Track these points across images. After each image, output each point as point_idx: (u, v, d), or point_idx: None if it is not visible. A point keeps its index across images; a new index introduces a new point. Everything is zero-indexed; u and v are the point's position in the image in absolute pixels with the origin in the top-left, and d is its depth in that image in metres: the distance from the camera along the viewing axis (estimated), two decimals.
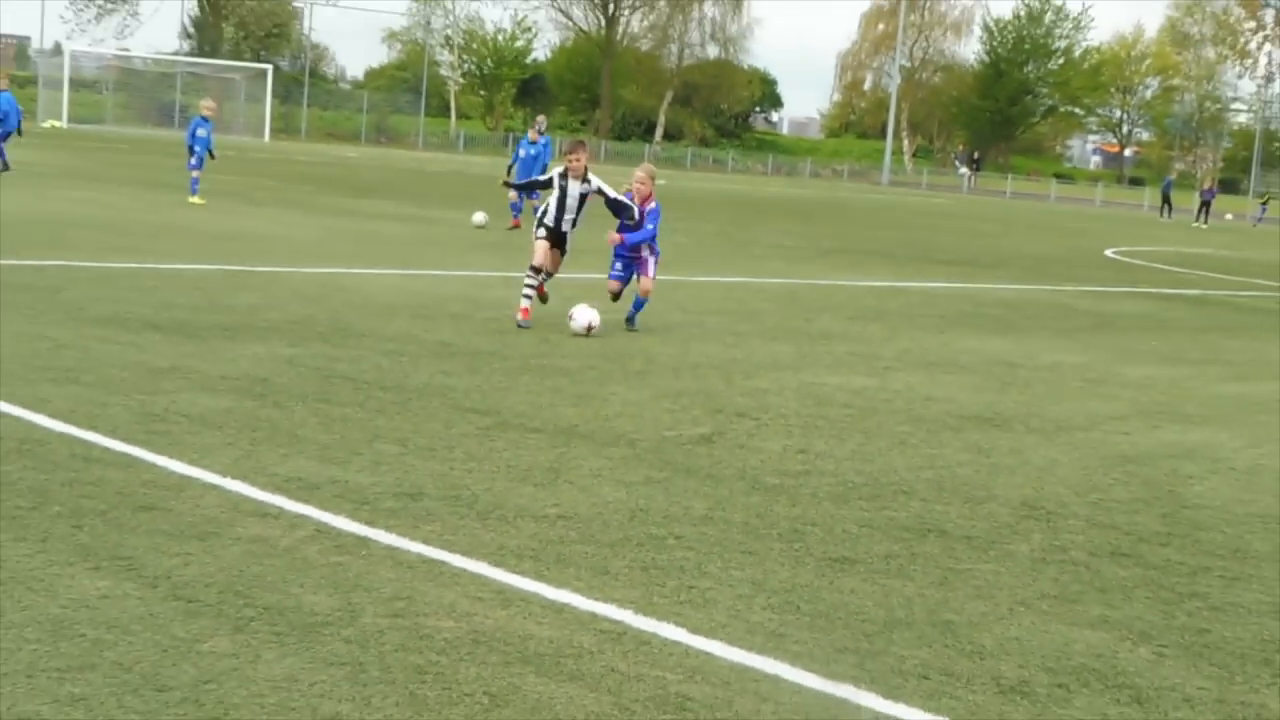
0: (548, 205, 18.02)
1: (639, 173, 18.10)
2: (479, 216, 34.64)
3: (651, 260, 17.74)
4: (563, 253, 18.35)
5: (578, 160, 17.65)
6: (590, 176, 17.66)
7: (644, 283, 18.02)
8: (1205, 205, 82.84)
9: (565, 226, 17.77)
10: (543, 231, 18.05)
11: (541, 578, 8.19)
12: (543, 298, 17.90)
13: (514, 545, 8.78)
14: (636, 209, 17.69)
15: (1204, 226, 78.51)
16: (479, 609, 7.63)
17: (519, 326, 17.37)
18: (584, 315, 17.37)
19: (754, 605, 8.05)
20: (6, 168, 38.98)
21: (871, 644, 7.58)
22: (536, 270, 17.70)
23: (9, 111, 40.17)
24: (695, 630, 7.56)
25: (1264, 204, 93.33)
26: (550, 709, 6.43)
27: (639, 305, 18.21)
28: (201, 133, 35.76)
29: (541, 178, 18.31)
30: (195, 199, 34.82)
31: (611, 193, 17.60)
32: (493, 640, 7.19)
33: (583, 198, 17.69)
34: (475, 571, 8.23)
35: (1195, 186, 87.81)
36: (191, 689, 6.34)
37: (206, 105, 38.09)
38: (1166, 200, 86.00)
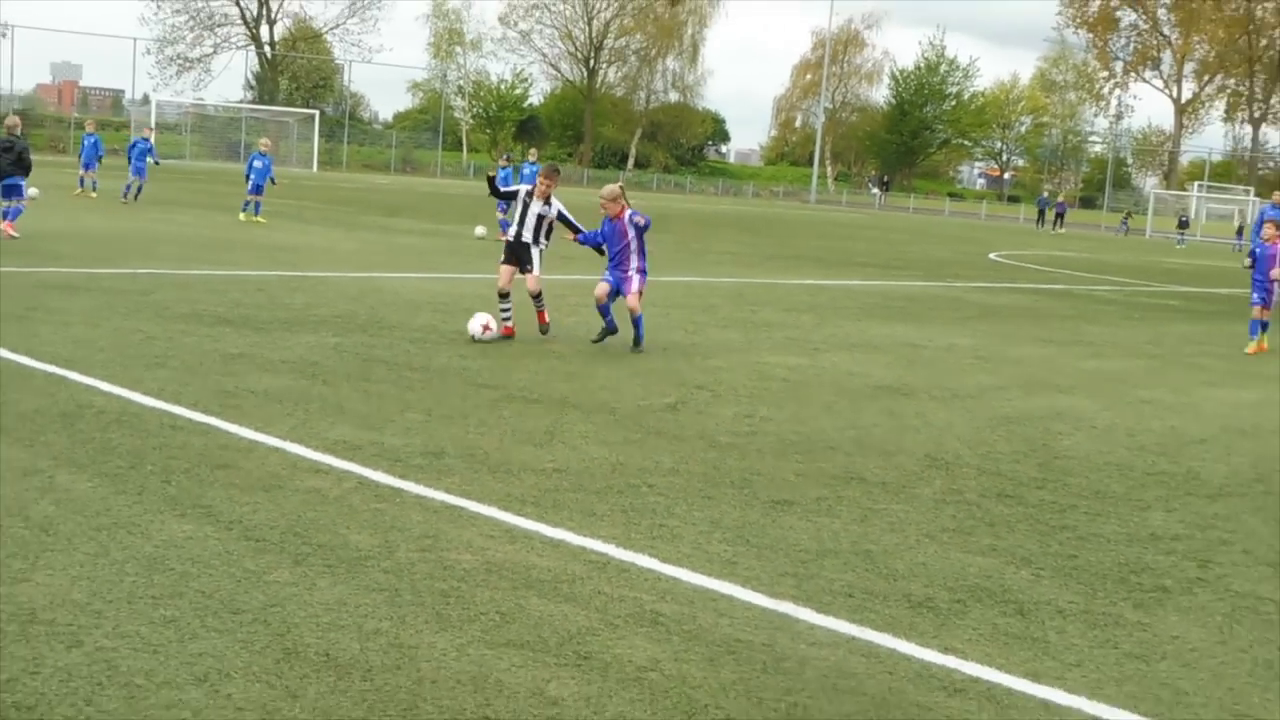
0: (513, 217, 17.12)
1: (600, 196, 16.84)
2: (480, 230, 34.77)
3: (636, 279, 16.25)
4: (525, 266, 16.50)
5: (546, 185, 16.71)
6: (554, 201, 16.47)
7: (629, 300, 16.00)
8: (1059, 216, 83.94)
9: (525, 238, 16.30)
10: (504, 254, 16.77)
11: (541, 519, 8.20)
12: (542, 328, 16.45)
13: (519, 493, 8.78)
14: (583, 232, 16.58)
15: (1061, 232, 78.96)
16: (491, 544, 7.64)
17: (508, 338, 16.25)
18: (474, 322, 15.97)
19: (712, 539, 8.07)
20: (94, 187, 40.79)
21: (807, 570, 7.60)
22: (503, 295, 16.48)
23: (97, 149, 41.76)
24: (665, 560, 7.58)
25: (1125, 219, 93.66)
26: (550, 624, 6.45)
27: (636, 324, 16.10)
28: (258, 164, 35.77)
29: (514, 188, 17.48)
30: (258, 218, 34.69)
31: (567, 215, 16.54)
32: (502, 570, 7.21)
33: (540, 218, 16.37)
34: (488, 515, 8.23)
35: (1051, 202, 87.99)
36: (260, 611, 6.35)
37: (263, 143, 38.16)
38: (1041, 214, 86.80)
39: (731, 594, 7.09)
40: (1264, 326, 20.27)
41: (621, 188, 16.51)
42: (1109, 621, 7.11)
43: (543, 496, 8.75)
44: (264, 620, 6.24)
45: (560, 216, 16.32)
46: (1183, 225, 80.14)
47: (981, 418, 12.93)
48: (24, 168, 24.94)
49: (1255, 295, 20.60)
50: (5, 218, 24.52)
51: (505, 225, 34.91)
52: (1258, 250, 20.75)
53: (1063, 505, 9.60)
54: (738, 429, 11.50)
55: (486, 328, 15.79)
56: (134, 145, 40.33)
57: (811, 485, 9.64)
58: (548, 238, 16.54)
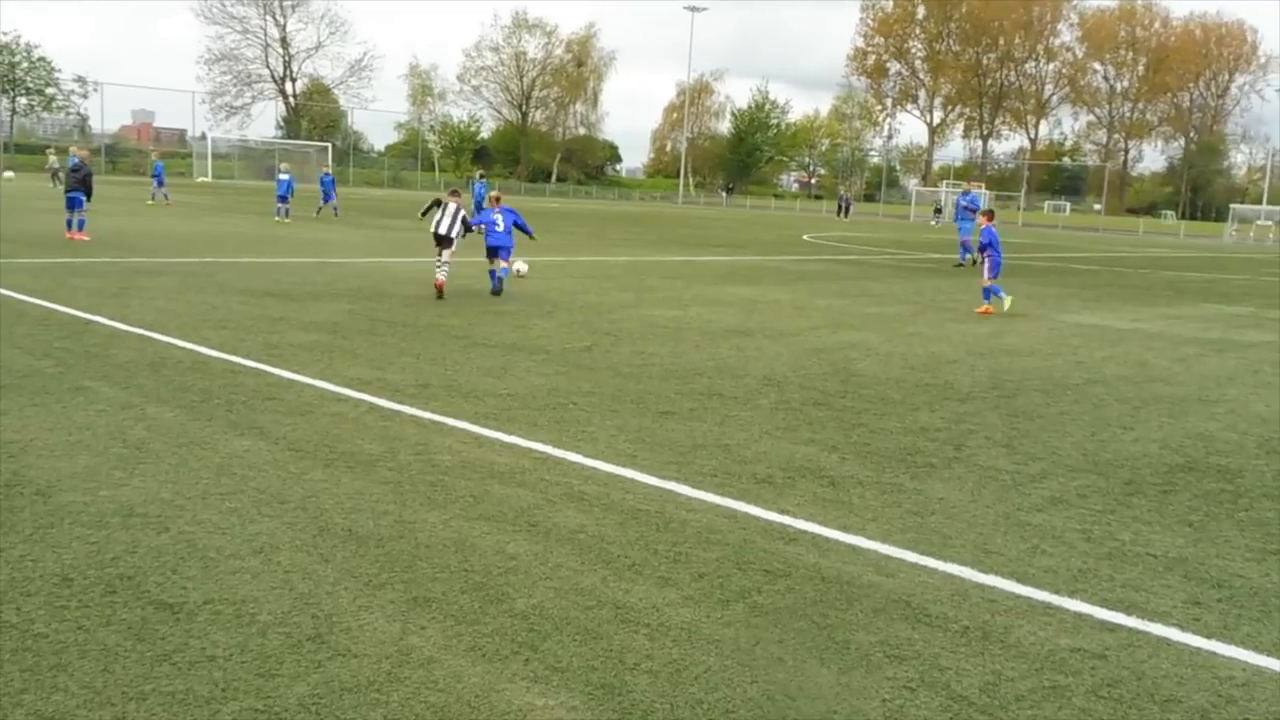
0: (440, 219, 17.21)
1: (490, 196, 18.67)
2: (520, 266, 34.28)
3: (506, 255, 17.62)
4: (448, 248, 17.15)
5: (493, 198, 18.32)
6: (457, 204, 17.23)
7: (507, 265, 17.64)
8: (847, 208, 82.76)
9: (446, 231, 16.93)
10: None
11: (499, 429, 8.13)
12: (438, 292, 16.60)
13: (483, 411, 8.70)
14: (472, 221, 17.69)
15: (845, 220, 78.16)
16: (465, 448, 7.56)
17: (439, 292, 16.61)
18: (518, 263, 18.61)
19: (619, 439, 8.03)
20: (167, 199, 40.26)
21: (684, 459, 7.59)
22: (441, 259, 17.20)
23: (160, 171, 42.21)
24: (587, 455, 7.53)
25: (936, 212, 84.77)
26: (508, 503, 6.39)
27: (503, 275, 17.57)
28: (283, 177, 35.34)
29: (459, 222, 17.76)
30: (286, 220, 34.20)
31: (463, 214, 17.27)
32: (473, 466, 7.14)
33: (457, 214, 17.06)
34: (462, 428, 8.15)
35: (838, 197, 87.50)
36: (301, 501, 6.25)
37: (283, 166, 37.50)
38: (840, 207, 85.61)
39: (633, 477, 7.07)
40: (994, 292, 19.90)
41: (496, 196, 18.52)
42: (894, 489, 7.16)
43: (500, 413, 8.68)
44: (303, 507, 6.14)
45: (462, 218, 17.29)
46: (937, 211, 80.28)
47: (800, 349, 12.97)
48: (87, 188, 24.10)
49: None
50: (77, 228, 23.75)
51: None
52: (983, 237, 20.25)
53: (859, 409, 9.66)
54: (634, 362, 11.47)
55: (520, 272, 18.61)
56: (278, 182, 38.39)
57: (686, 400, 9.63)
58: (465, 229, 17.35)
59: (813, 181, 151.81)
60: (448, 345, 11.94)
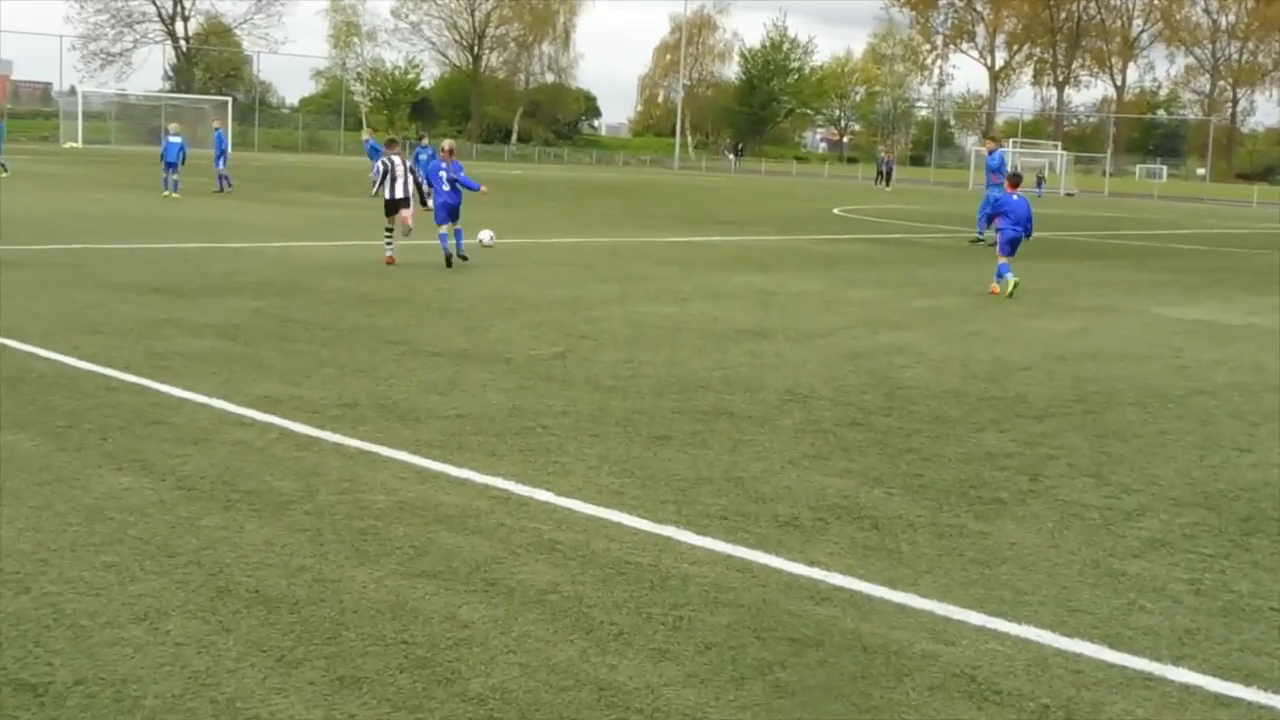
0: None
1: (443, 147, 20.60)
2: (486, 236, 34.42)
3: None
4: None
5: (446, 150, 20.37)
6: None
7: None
8: (887, 173, 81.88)
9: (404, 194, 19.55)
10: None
11: (447, 460, 8.11)
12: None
13: (426, 438, 8.68)
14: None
15: (886, 188, 77.70)
16: (403, 485, 7.54)
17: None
18: (484, 233, 20.06)
19: (600, 472, 8.01)
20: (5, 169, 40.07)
21: (685, 496, 7.57)
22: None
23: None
24: (560, 493, 7.52)
25: (1040, 179, 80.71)
26: (458, 555, 6.37)
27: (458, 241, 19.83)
28: (173, 140, 35.32)
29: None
30: (175, 195, 34.14)
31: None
32: (414, 507, 7.11)
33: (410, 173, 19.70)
34: (399, 458, 8.13)
35: (878, 160, 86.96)
36: (194, 554, 6.22)
37: (172, 127, 37.43)
38: (880, 173, 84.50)
39: (620, 520, 7.05)
40: (1001, 273, 19.94)
41: (450, 148, 20.38)
42: (953, 532, 7.14)
43: (448, 440, 8.65)
44: (198, 562, 6.11)
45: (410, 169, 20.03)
46: (1040, 182, 79.75)
47: (832, 355, 12.97)
48: None
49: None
50: None
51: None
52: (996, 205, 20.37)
53: (908, 430, 9.65)
54: (619, 373, 11.45)
55: (485, 242, 19.72)
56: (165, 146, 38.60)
57: (686, 421, 9.61)
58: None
59: (844, 140, 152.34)
60: (381, 353, 11.91)
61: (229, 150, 39.97)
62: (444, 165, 19.50)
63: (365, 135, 44.53)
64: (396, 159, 19.18)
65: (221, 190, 37.91)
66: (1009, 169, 23.87)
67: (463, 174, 19.54)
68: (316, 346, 12.06)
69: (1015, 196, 19.74)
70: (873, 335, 14.49)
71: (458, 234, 19.72)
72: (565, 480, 7.79)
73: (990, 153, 31.52)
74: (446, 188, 19.25)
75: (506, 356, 12.02)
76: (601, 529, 6.90)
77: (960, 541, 6.97)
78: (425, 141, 40.02)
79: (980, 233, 30.22)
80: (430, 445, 8.48)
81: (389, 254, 18.41)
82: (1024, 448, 9.23)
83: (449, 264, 18.93)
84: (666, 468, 8.21)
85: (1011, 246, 19.50)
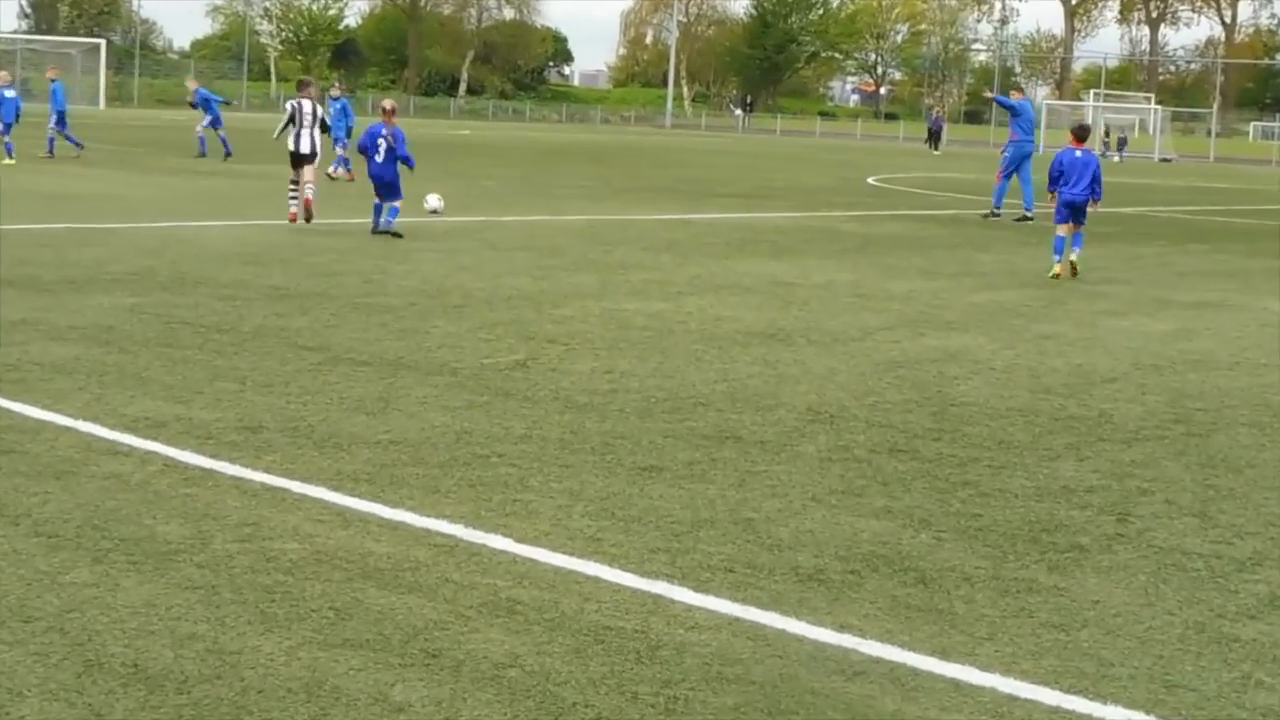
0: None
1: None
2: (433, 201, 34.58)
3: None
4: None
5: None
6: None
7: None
8: (937, 133, 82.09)
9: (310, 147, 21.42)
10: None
11: (377, 499, 8.11)
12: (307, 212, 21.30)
13: (350, 470, 8.68)
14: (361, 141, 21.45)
15: (935, 152, 77.87)
16: (321, 531, 7.53)
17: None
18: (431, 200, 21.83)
19: (573, 513, 8.01)
20: None
21: (681, 543, 7.57)
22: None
23: None
24: (521, 539, 7.51)
25: (1121, 142, 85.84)
26: (392, 619, 6.35)
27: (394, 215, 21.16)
28: (8, 94, 35.32)
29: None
30: (10, 161, 34.15)
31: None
32: (335, 559, 7.10)
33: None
34: (315, 496, 8.12)
35: (926, 117, 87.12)
36: (56, 618, 6.20)
37: (2, 77, 37.39)
38: (932, 133, 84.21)
39: (597, 574, 7.03)
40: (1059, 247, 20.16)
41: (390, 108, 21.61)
42: (1021, 587, 7.14)
43: (378, 473, 8.64)
44: (61, 628, 6.08)
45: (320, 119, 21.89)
46: (1121, 144, 79.95)
47: (866, 363, 12.98)
48: None
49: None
50: None
51: (343, 162, 34.83)
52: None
53: (962, 459, 9.65)
54: (596, 387, 11.45)
55: (432, 207, 21.55)
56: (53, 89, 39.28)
57: (681, 447, 9.61)
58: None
59: (882, 92, 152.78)
60: (291, 362, 11.90)
61: (66, 109, 39.70)
62: (384, 130, 19.63)
63: (190, 84, 44.78)
64: (306, 103, 19.60)
65: (53, 154, 37.90)
66: (1070, 123, 24.23)
67: (404, 145, 19.71)
68: (210, 354, 12.05)
69: (1078, 153, 19.95)
70: (918, 338, 14.51)
71: (392, 211, 19.87)
72: (528, 523, 7.78)
73: (1018, 101, 32.08)
74: (381, 158, 19.38)
75: (453, 366, 12.02)
76: (574, 585, 6.88)
77: (1029, 600, 6.97)
78: (338, 93, 39.84)
79: (997, 206, 30.76)
80: (356, 479, 8.47)
81: (291, 209, 18.92)
82: (1110, 480, 9.23)
83: (373, 231, 19.55)
84: (656, 507, 8.20)
85: (1070, 212, 19.65)
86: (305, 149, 19.40)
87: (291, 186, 19.84)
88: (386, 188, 19.59)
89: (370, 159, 19.86)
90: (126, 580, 6.68)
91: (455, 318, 14.55)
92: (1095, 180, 19.68)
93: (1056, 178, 19.95)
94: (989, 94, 42.19)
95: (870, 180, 46.22)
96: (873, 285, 18.63)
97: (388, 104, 20.81)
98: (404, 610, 6.46)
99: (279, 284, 16.23)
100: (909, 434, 10.30)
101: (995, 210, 31.06)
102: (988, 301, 17.56)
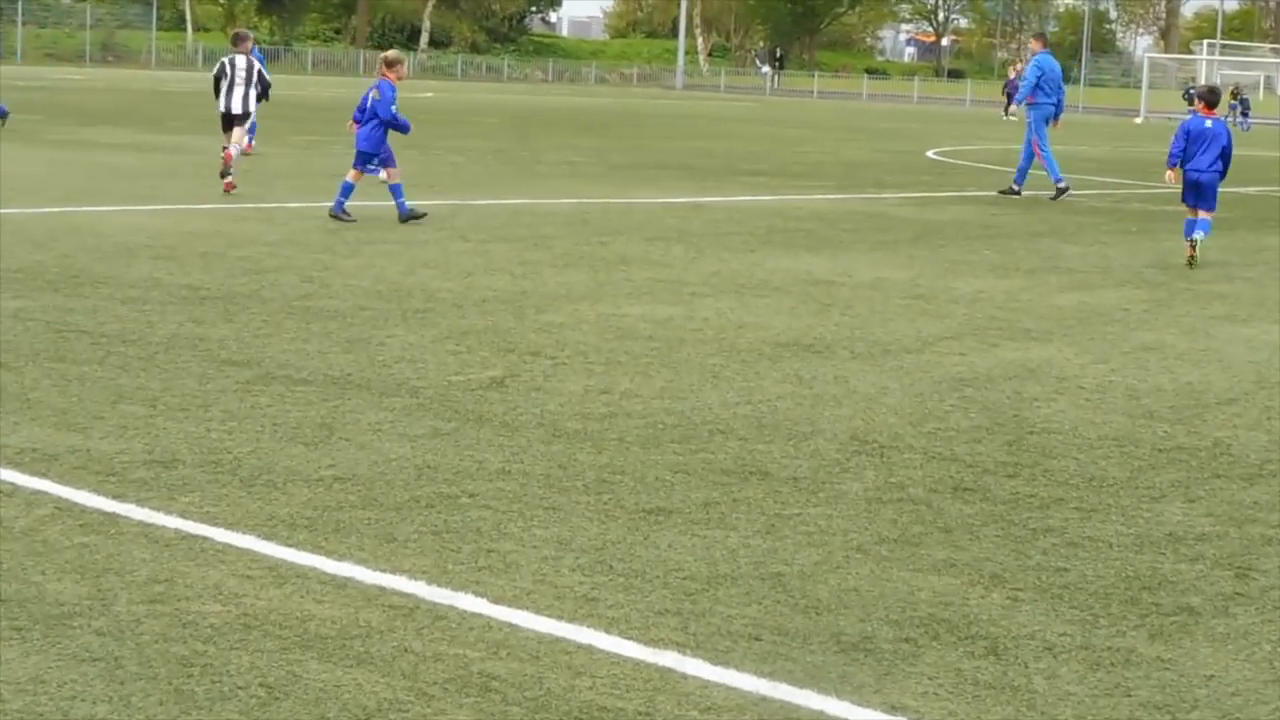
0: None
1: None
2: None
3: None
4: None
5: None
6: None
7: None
8: (1011, 95, 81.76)
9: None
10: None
11: (319, 549, 8.12)
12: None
13: (285, 514, 8.69)
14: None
15: (1010, 118, 77.57)
16: (249, 589, 7.54)
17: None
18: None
19: (561, 567, 8.03)
20: None
21: (695, 604, 7.58)
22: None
23: None
24: (497, 599, 7.52)
25: (1244, 106, 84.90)
26: (336, 698, 6.35)
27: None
28: None
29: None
30: None
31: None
32: (267, 624, 7.11)
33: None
34: (243, 546, 8.14)
35: (1005, 81, 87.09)
36: None
37: None
38: (1007, 96, 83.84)
39: (591, 643, 7.04)
40: (1193, 230, 20.34)
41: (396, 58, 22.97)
42: (1117, 659, 7.14)
43: (320, 517, 8.67)
44: None
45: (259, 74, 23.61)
46: (1245, 107, 79.90)
47: (925, 381, 13.01)
48: None
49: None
50: None
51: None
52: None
53: (1044, 499, 9.66)
54: (590, 410, 11.48)
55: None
56: None
57: (696, 485, 9.63)
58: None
59: (944, 43, 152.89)
60: (213, 380, 11.95)
61: None
62: (373, 90, 21.10)
63: None
64: (240, 59, 20.30)
65: None
66: (1192, 87, 24.30)
67: (386, 105, 20.59)
68: (113, 371, 12.09)
69: (1208, 123, 19.92)
70: (989, 350, 14.54)
71: (345, 187, 20.19)
72: (505, 579, 7.81)
73: (1033, 55, 32.23)
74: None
75: (413, 385, 12.06)
76: (562, 656, 6.90)
77: (1127, 674, 6.98)
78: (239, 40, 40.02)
79: (1059, 180, 30.89)
80: (293, 525, 8.49)
81: (226, 180, 19.90)
82: (1227, 526, 9.24)
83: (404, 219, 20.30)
84: (664, 559, 8.22)
85: (1197, 193, 19.67)
86: (237, 109, 20.26)
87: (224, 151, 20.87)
88: (371, 158, 20.46)
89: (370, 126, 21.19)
90: (9, 651, 6.68)
91: (416, 325, 14.58)
92: (1224, 156, 19.71)
93: (1179, 152, 19.93)
94: (1032, 48, 38.07)
95: (930, 154, 46.25)
96: (932, 284, 18.65)
97: (392, 56, 21.82)
98: (351, 687, 6.46)
99: (198, 283, 16.24)
100: (977, 469, 10.31)
101: (1059, 186, 31.01)
102: (1076, 304, 17.57)
